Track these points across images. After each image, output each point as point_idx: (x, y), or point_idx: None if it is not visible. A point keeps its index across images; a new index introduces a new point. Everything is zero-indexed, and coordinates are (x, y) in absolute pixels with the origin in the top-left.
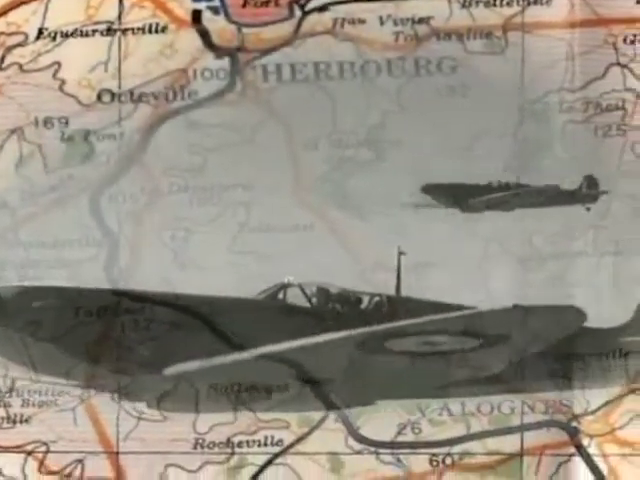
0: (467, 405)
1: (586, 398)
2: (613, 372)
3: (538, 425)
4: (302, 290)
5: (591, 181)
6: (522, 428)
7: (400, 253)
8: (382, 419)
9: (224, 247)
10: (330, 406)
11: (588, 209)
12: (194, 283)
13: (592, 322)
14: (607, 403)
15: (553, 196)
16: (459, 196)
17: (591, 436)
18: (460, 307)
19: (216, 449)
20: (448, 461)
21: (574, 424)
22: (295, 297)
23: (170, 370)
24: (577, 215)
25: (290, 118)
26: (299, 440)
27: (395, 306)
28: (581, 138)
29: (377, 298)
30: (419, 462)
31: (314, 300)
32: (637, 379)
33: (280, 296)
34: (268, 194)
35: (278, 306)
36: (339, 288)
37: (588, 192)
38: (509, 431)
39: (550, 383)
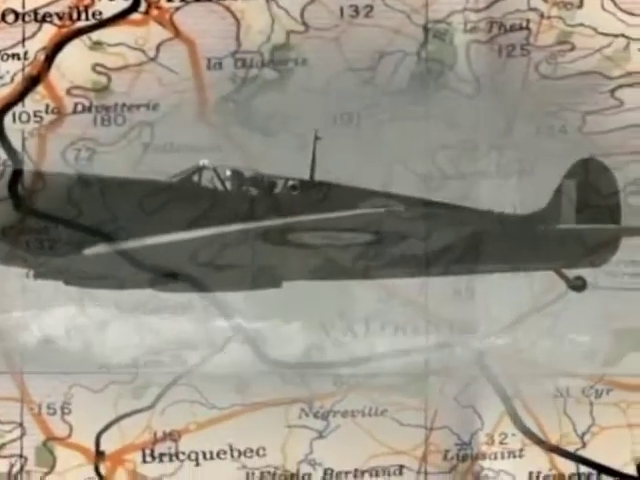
0: (371, 326)
1: (491, 318)
2: (518, 290)
3: (442, 345)
4: (216, 173)
5: None
6: (426, 348)
7: (316, 137)
8: (287, 340)
9: (128, 167)
10: (234, 324)
11: None
12: (98, 203)
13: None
14: (513, 323)
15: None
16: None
17: (496, 356)
18: (374, 193)
19: (121, 369)
20: (352, 382)
21: (479, 344)
22: (210, 181)
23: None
24: (480, 133)
25: (194, 38)
26: (204, 361)
27: (309, 190)
28: (485, 58)
29: (291, 182)
30: (323, 383)
31: (228, 184)
32: (540, 297)
33: (195, 179)
34: (173, 114)
35: (191, 189)
36: (254, 171)
37: None
38: (413, 351)
39: (454, 302)
